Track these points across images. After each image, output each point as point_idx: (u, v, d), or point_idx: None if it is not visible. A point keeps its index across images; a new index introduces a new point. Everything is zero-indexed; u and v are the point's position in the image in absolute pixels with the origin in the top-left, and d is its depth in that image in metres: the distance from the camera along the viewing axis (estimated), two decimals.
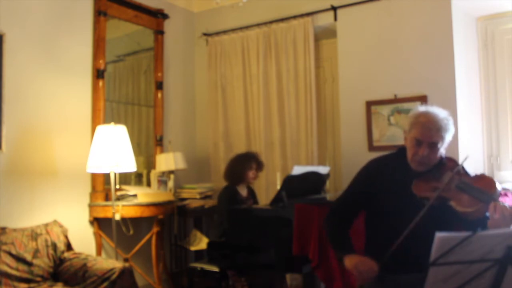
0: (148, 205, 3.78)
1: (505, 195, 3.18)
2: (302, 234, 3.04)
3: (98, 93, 3.94)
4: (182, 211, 4.27)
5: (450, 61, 3.67)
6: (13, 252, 3.02)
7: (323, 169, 3.64)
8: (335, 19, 4.21)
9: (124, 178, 4.08)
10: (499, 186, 1.96)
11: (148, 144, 4.51)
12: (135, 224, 4.02)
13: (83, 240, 3.75)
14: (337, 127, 4.44)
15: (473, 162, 2.06)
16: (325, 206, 3.09)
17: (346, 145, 4.10)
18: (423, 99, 3.69)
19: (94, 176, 3.88)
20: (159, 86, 4.55)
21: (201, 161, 4.94)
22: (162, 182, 4.30)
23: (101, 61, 3.95)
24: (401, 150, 2.18)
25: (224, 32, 4.80)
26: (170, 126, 4.71)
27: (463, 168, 2.03)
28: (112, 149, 3.44)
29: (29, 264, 3.06)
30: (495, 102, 4.03)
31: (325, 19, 4.27)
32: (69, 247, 3.41)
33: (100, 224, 3.82)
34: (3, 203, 3.29)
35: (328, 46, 4.57)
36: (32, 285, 3.02)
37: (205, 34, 4.95)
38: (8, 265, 2.95)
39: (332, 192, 4.25)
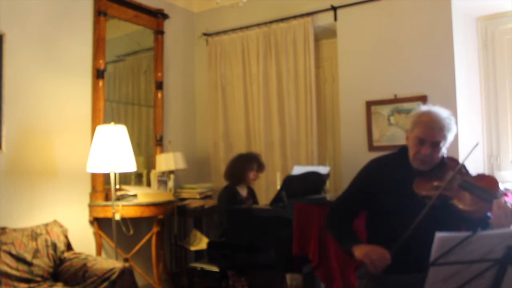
0: (148, 205, 3.78)
1: (505, 195, 3.19)
2: (302, 234, 3.04)
3: (98, 93, 3.94)
4: (182, 211, 4.27)
5: (450, 61, 3.67)
6: (13, 252, 3.02)
7: (323, 169, 3.64)
8: (335, 19, 4.21)
9: (124, 178, 4.08)
10: (501, 185, 1.96)
11: (148, 144, 4.51)
12: (135, 224, 4.02)
13: (83, 240, 3.75)
14: (337, 127, 4.44)
15: (473, 162, 2.06)
16: (325, 206, 3.09)
17: (346, 145, 4.10)
18: (423, 99, 3.69)
19: (94, 176, 3.88)
20: (159, 86, 4.55)
21: (201, 161, 4.94)
22: (162, 182, 4.30)
23: (101, 61, 3.95)
24: (403, 149, 2.18)
25: (224, 32, 4.80)
26: (170, 126, 4.71)
27: (464, 167, 2.03)
28: (112, 149, 3.44)
29: (29, 264, 3.06)
30: (495, 102, 4.03)
31: (325, 19, 4.27)
32: (69, 247, 3.41)
33: (100, 224, 3.82)
34: (3, 203, 3.29)
35: (328, 46, 4.57)
36: (32, 285, 3.02)
37: (205, 34, 4.95)
38: (8, 265, 2.95)
39: (332, 192, 4.25)
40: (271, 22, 4.51)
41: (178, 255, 4.54)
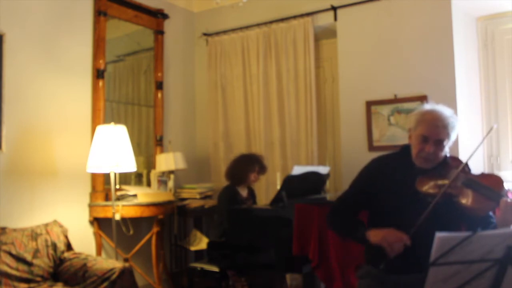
0: (148, 205, 3.78)
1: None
2: (302, 234, 3.04)
3: (98, 93, 3.94)
4: (182, 211, 4.27)
5: (450, 61, 3.67)
6: (13, 252, 3.02)
7: (323, 169, 3.64)
8: (335, 19, 4.21)
9: (124, 178, 4.08)
10: (506, 184, 1.96)
11: (148, 144, 4.51)
12: (135, 224, 4.02)
13: (83, 240, 3.75)
14: (337, 127, 4.44)
15: (473, 162, 2.06)
16: (325, 206, 3.09)
17: (346, 145, 4.10)
18: (423, 99, 3.69)
19: (94, 176, 3.88)
20: (159, 86, 4.55)
21: (201, 161, 4.94)
22: (162, 182, 4.30)
23: (101, 61, 3.95)
24: (405, 148, 2.18)
25: (224, 32, 4.80)
26: (170, 126, 4.71)
27: (467, 166, 2.03)
28: (112, 149, 3.44)
29: (29, 264, 3.06)
30: (495, 102, 4.03)
31: (325, 19, 4.27)
32: (69, 247, 3.41)
33: (100, 224, 3.82)
34: (3, 203, 3.29)
35: (328, 46, 4.57)
36: (32, 285, 3.02)
37: (205, 34, 4.95)
38: (8, 265, 2.95)
39: (332, 192, 4.25)
40: (271, 22, 4.51)
41: (178, 255, 4.54)
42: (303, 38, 4.32)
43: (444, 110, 2.06)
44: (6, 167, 3.33)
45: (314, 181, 3.55)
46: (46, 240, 3.24)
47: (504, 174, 3.88)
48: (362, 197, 2.15)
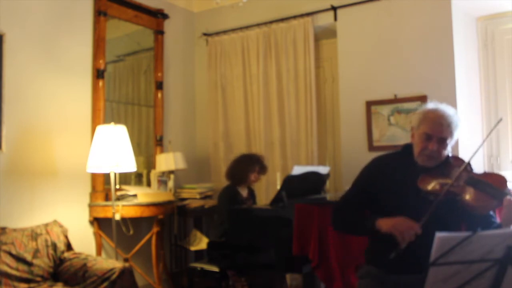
0: (148, 205, 3.78)
1: None
2: (302, 234, 3.04)
3: (98, 93, 3.94)
4: (182, 211, 4.27)
5: (450, 61, 3.67)
6: (13, 252, 3.02)
7: (323, 169, 3.64)
8: (335, 19, 4.21)
9: (124, 178, 4.08)
10: (509, 183, 1.96)
11: (148, 144, 4.51)
12: (135, 224, 4.02)
13: (83, 240, 3.75)
14: (337, 127, 4.44)
15: (473, 162, 2.06)
16: (325, 206, 3.09)
17: (346, 145, 4.10)
18: (423, 99, 3.69)
19: (94, 176, 3.88)
20: (159, 86, 4.55)
21: (201, 161, 4.94)
22: (162, 182, 4.30)
23: (101, 61, 3.95)
24: (406, 147, 2.18)
25: (224, 32, 4.80)
26: (170, 126, 4.71)
27: (470, 165, 2.04)
28: (112, 149, 3.44)
29: (29, 264, 3.06)
30: (495, 102, 4.03)
31: (325, 19, 4.27)
32: (69, 247, 3.41)
33: (100, 224, 3.82)
34: (3, 203, 3.29)
35: (328, 46, 4.57)
36: (32, 285, 3.02)
37: (205, 34, 4.95)
38: (8, 265, 2.95)
39: (332, 192, 4.25)
40: (271, 22, 4.51)
41: (178, 255, 4.54)
42: (303, 38, 4.32)
43: (447, 109, 2.06)
44: (6, 167, 3.33)
45: (314, 181, 3.55)
46: (46, 240, 3.24)
47: (504, 174, 3.88)
48: (364, 196, 2.15)
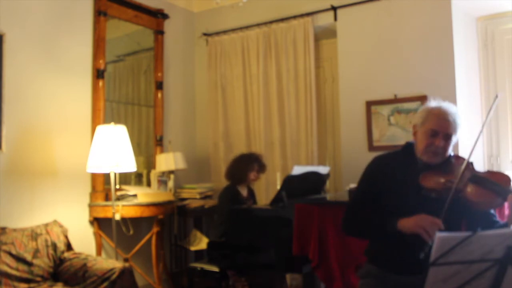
0: (148, 205, 3.78)
1: None
2: (302, 234, 3.04)
3: (98, 93, 3.94)
4: (182, 211, 4.27)
5: (450, 61, 3.67)
6: (13, 252, 3.02)
7: (323, 169, 3.64)
8: (335, 19, 4.21)
9: (124, 178, 4.08)
10: None
11: (148, 144, 4.51)
12: (135, 224, 4.02)
13: (83, 240, 3.75)
14: (337, 127, 4.44)
15: (473, 161, 2.07)
16: (325, 206, 3.09)
17: (346, 145, 4.10)
18: (423, 99, 3.69)
19: (94, 176, 3.88)
20: (159, 86, 4.55)
21: (201, 161, 4.94)
22: (162, 182, 4.30)
23: (101, 61, 3.95)
24: (407, 146, 2.18)
25: (224, 32, 4.80)
26: (170, 126, 4.71)
27: (472, 164, 2.04)
28: (112, 149, 3.44)
29: (29, 264, 3.06)
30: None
31: (325, 19, 4.27)
32: (69, 247, 3.41)
33: (100, 224, 3.82)
34: (3, 203, 3.29)
35: (328, 46, 4.57)
36: (32, 285, 3.02)
37: (205, 34, 4.95)
38: (8, 265, 2.95)
39: (332, 192, 4.25)
40: (271, 22, 4.51)
41: (178, 255, 4.54)
42: (303, 38, 4.32)
43: (450, 106, 2.07)
44: (6, 167, 3.33)
45: (314, 181, 3.55)
46: (46, 240, 3.24)
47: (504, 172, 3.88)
48: (369, 197, 2.14)
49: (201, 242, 4.24)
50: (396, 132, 3.86)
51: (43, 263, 3.14)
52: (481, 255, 1.40)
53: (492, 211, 2.07)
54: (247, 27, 4.64)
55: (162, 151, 4.49)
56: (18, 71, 3.42)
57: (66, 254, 3.30)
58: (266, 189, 4.46)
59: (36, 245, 3.16)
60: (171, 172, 4.30)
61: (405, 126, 3.78)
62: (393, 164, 2.15)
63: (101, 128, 3.54)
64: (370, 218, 2.07)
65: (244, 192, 3.88)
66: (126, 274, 3.03)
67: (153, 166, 4.41)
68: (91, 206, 3.84)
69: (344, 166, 4.10)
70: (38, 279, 3.08)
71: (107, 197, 3.88)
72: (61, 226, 3.42)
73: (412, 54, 3.82)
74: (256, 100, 4.58)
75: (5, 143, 3.31)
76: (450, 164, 2.06)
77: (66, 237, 3.40)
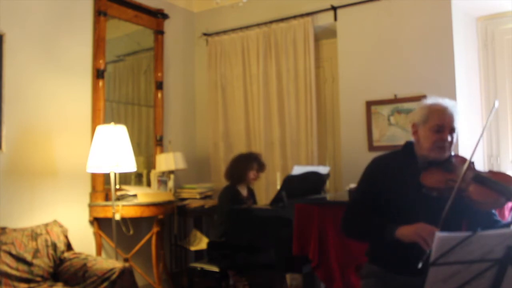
0: (148, 205, 3.78)
1: None
2: (302, 234, 3.04)
3: (98, 93, 3.94)
4: (182, 211, 4.27)
5: (450, 61, 3.67)
6: (13, 252, 3.02)
7: (323, 169, 3.64)
8: (335, 19, 4.21)
9: (124, 178, 4.08)
10: None
11: (148, 144, 4.51)
12: (135, 224, 4.02)
13: (83, 240, 3.75)
14: (337, 127, 4.44)
15: (474, 161, 2.08)
16: (325, 206, 3.09)
17: (346, 145, 4.10)
18: (423, 99, 3.67)
19: (94, 176, 3.88)
20: (159, 86, 4.55)
21: (201, 161, 4.94)
22: (162, 182, 4.30)
23: (101, 61, 3.95)
24: (407, 145, 2.18)
25: (224, 32, 4.80)
26: (170, 126, 4.71)
27: (473, 163, 2.04)
28: (112, 149, 3.44)
29: (29, 264, 3.06)
30: None
31: (325, 19, 4.27)
32: (69, 247, 3.41)
33: (100, 224, 3.82)
34: (3, 203, 3.29)
35: (328, 46, 4.57)
36: (32, 285, 3.02)
37: (205, 34, 4.95)
38: (8, 265, 2.95)
39: (332, 192, 4.25)
40: (271, 22, 4.51)
41: (178, 255, 4.54)
42: (303, 38, 4.32)
43: (447, 100, 2.09)
44: (6, 167, 3.33)
45: (314, 181, 3.55)
46: (46, 240, 3.24)
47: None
48: (368, 199, 2.13)
49: (201, 242, 4.24)
50: (396, 132, 3.86)
51: (43, 263, 3.14)
52: (481, 255, 1.40)
53: (493, 211, 2.07)
54: (247, 27, 4.64)
55: (162, 151, 4.49)
56: (18, 71, 3.42)
57: (66, 254, 3.30)
58: (266, 189, 4.46)
59: (36, 245, 3.16)
60: (171, 172, 4.30)
61: (405, 126, 3.78)
62: (394, 164, 2.15)
63: (101, 128, 3.54)
64: (368, 223, 2.07)
65: (244, 192, 3.88)
66: (126, 274, 3.03)
67: (153, 166, 4.41)
68: (91, 206, 3.84)
69: (344, 166, 4.10)
70: (38, 279, 3.08)
71: (107, 197, 3.88)
72: (61, 226, 3.42)
73: (412, 54, 3.82)
74: (256, 100, 4.58)
75: (5, 143, 3.31)
76: (451, 163, 2.06)
77: (66, 237, 3.40)
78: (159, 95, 4.54)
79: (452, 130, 2.04)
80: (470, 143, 3.75)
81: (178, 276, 4.38)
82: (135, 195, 3.80)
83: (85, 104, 3.92)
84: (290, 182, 3.32)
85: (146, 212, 3.77)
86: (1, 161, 3.31)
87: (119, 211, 3.62)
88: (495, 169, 3.97)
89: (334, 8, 4.19)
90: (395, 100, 3.87)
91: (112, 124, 3.55)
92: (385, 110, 3.91)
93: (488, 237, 1.41)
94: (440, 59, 3.70)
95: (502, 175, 2.02)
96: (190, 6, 5.05)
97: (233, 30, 4.74)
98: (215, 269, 3.60)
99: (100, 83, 3.95)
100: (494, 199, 1.90)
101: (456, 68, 3.67)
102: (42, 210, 3.52)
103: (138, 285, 3.29)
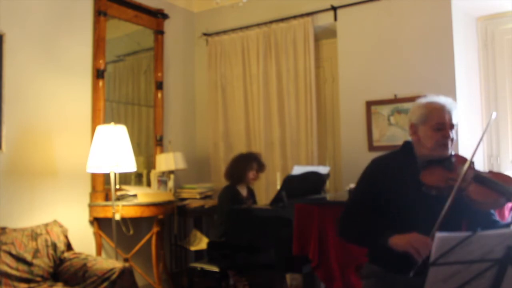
0: (148, 205, 3.78)
1: None
2: (302, 234, 3.04)
3: (98, 93, 3.94)
4: (182, 211, 4.27)
5: (450, 61, 3.67)
6: (13, 252, 3.02)
7: (323, 169, 3.64)
8: (335, 19, 4.21)
9: (124, 178, 4.08)
10: None
11: (148, 144, 4.51)
12: (135, 224, 4.02)
13: (83, 240, 3.75)
14: (337, 127, 4.44)
15: (475, 162, 2.08)
16: (325, 206, 3.09)
17: (346, 145, 4.10)
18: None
19: (94, 176, 3.88)
20: (159, 86, 4.55)
21: (201, 161, 4.94)
22: (162, 182, 4.30)
23: (101, 61, 3.95)
24: (406, 145, 2.17)
25: (224, 32, 4.80)
26: (170, 126, 4.71)
27: (473, 163, 2.04)
28: (112, 149, 3.44)
29: (29, 264, 3.06)
30: (495, 102, 4.03)
31: (325, 19, 4.27)
32: (69, 247, 3.41)
33: (100, 224, 3.82)
34: (3, 203, 3.29)
35: (328, 46, 4.57)
36: (32, 285, 3.02)
37: (205, 34, 4.95)
38: (8, 265, 2.95)
39: (332, 192, 4.25)
40: (271, 22, 4.51)
41: (178, 255, 4.54)
42: (303, 38, 4.32)
43: (444, 98, 2.09)
44: (6, 167, 3.33)
45: (314, 181, 3.55)
46: (46, 240, 3.24)
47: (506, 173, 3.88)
48: (368, 199, 2.13)
49: (201, 242, 4.24)
50: (396, 132, 3.86)
51: (43, 263, 3.14)
52: (481, 255, 1.40)
53: (492, 211, 2.07)
54: (247, 27, 4.64)
55: (162, 151, 4.49)
56: (18, 71, 3.42)
57: (66, 254, 3.30)
58: (266, 189, 4.46)
59: (36, 245, 3.16)
60: (171, 172, 4.30)
61: (405, 126, 3.77)
62: (393, 164, 2.15)
63: (101, 128, 3.54)
64: (363, 230, 2.07)
65: (243, 192, 3.88)
66: (126, 274, 3.03)
67: (153, 166, 4.41)
68: (91, 206, 3.84)
69: (344, 166, 4.10)
70: (38, 279, 3.08)
71: (107, 197, 3.88)
72: (61, 226, 3.42)
73: (412, 54, 3.82)
74: (256, 100, 4.58)
75: (5, 143, 3.31)
76: (451, 162, 2.06)
77: (66, 237, 3.40)
78: (159, 95, 4.54)
79: (452, 127, 2.04)
80: (470, 143, 3.75)
81: (178, 276, 4.38)
82: (135, 195, 3.80)
83: (85, 104, 3.92)
84: (290, 182, 3.33)
85: (146, 212, 3.77)
86: (1, 161, 3.31)
87: (119, 211, 3.62)
88: (495, 169, 3.97)
89: (334, 8, 4.19)
90: (395, 100, 3.87)
91: (112, 124, 3.55)
92: (385, 110, 3.91)
93: (488, 237, 1.41)
94: (440, 59, 3.70)
95: (502, 176, 2.03)
96: (190, 6, 5.05)
97: (233, 30, 4.74)
98: (215, 269, 3.60)
99: (100, 83, 3.95)
100: (494, 199, 1.91)
101: (456, 68, 3.67)
102: (42, 210, 3.52)
103: (138, 285, 3.29)
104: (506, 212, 2.87)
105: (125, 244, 3.95)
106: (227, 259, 3.50)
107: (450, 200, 1.83)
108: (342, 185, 4.06)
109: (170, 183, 4.30)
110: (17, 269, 2.99)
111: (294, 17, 4.39)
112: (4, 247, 3.00)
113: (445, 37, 3.68)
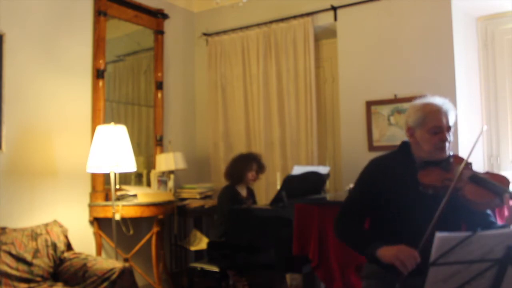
0: (148, 205, 3.78)
1: None
2: (302, 234, 3.04)
3: (98, 93, 3.94)
4: (182, 211, 4.27)
5: (450, 61, 3.67)
6: (13, 252, 3.02)
7: (323, 169, 3.64)
8: (335, 19, 4.21)
9: (124, 178, 4.08)
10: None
11: (148, 144, 4.51)
12: (135, 224, 4.02)
13: (83, 240, 3.75)
14: (337, 127, 4.44)
15: (473, 162, 2.08)
16: (325, 206, 3.09)
17: (346, 145, 4.10)
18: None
19: (94, 176, 3.88)
20: (159, 86, 4.55)
21: (201, 161, 4.94)
22: (162, 182, 4.30)
23: (101, 61, 3.95)
24: (404, 145, 2.17)
25: (224, 32, 4.80)
26: (170, 126, 4.71)
27: (470, 164, 2.05)
28: (112, 149, 3.44)
29: (29, 264, 3.06)
30: (495, 102, 4.03)
31: (325, 19, 4.27)
32: (69, 247, 3.41)
33: (100, 224, 3.82)
34: (3, 203, 3.29)
35: (328, 46, 4.57)
36: (32, 285, 3.02)
37: (205, 34, 4.95)
38: (8, 265, 2.95)
39: (332, 192, 4.25)
40: (271, 22, 4.51)
41: (178, 255, 4.54)
42: (303, 38, 4.32)
43: (439, 98, 2.08)
44: (6, 167, 3.33)
45: (314, 181, 3.55)
46: (46, 240, 3.24)
47: (504, 174, 3.88)
48: (367, 199, 2.13)
49: (201, 242, 4.24)
50: (396, 132, 3.86)
51: (43, 263, 3.14)
52: (481, 255, 1.40)
53: (489, 211, 2.07)
54: (247, 27, 4.64)
55: (162, 151, 4.49)
56: (18, 71, 3.42)
57: (66, 254, 3.30)
58: (266, 189, 4.46)
59: (36, 245, 3.16)
60: (171, 172, 4.30)
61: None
62: (393, 164, 2.15)
63: (101, 128, 3.54)
64: (355, 235, 2.09)
65: (243, 192, 3.88)
66: (126, 274, 3.03)
67: (153, 166, 4.41)
68: (91, 206, 3.84)
69: (344, 166, 4.10)
70: (38, 279, 3.08)
71: (107, 197, 3.88)
72: (61, 226, 3.42)
73: (412, 54, 3.82)
74: (256, 100, 4.58)
75: (5, 143, 3.31)
76: (449, 162, 2.06)
77: (66, 237, 3.40)
78: (159, 95, 4.54)
79: (449, 129, 2.04)
80: (470, 143, 3.75)
81: (178, 276, 4.38)
82: (135, 195, 3.80)
83: (85, 104, 3.92)
84: (290, 182, 3.33)
85: (146, 212, 3.77)
86: (1, 161, 3.31)
87: (119, 211, 3.62)
88: (495, 169, 3.97)
89: (334, 8, 4.19)
90: (395, 100, 3.87)
91: (112, 124, 3.55)
92: (385, 110, 3.91)
93: (488, 237, 1.41)
94: (440, 59, 3.70)
95: (498, 176, 2.03)
96: (190, 6, 5.05)
97: (233, 30, 4.74)
98: (215, 269, 3.60)
99: (100, 83, 3.95)
100: (489, 199, 1.91)
101: (456, 68, 3.67)
102: (42, 210, 3.52)
103: (138, 285, 3.29)
104: (506, 213, 2.87)
105: (125, 244, 3.95)
106: (227, 259, 3.50)
107: (445, 199, 1.84)
108: (342, 185, 4.06)
109: (170, 183, 4.30)
110: (17, 269, 2.99)
111: (294, 17, 4.39)
112: (4, 247, 3.00)
113: (445, 37, 3.68)
